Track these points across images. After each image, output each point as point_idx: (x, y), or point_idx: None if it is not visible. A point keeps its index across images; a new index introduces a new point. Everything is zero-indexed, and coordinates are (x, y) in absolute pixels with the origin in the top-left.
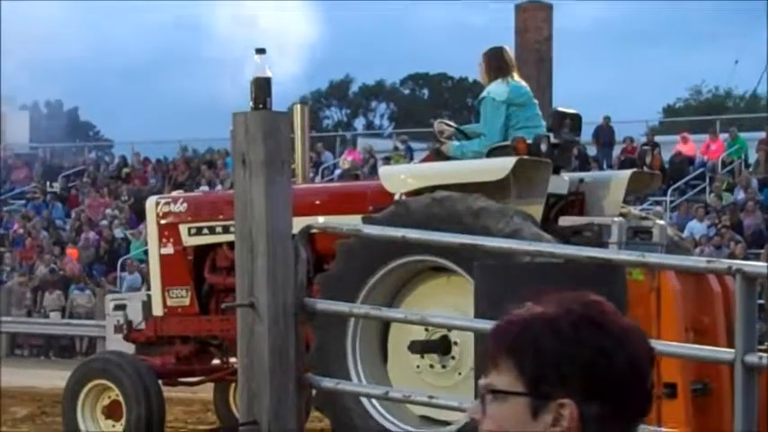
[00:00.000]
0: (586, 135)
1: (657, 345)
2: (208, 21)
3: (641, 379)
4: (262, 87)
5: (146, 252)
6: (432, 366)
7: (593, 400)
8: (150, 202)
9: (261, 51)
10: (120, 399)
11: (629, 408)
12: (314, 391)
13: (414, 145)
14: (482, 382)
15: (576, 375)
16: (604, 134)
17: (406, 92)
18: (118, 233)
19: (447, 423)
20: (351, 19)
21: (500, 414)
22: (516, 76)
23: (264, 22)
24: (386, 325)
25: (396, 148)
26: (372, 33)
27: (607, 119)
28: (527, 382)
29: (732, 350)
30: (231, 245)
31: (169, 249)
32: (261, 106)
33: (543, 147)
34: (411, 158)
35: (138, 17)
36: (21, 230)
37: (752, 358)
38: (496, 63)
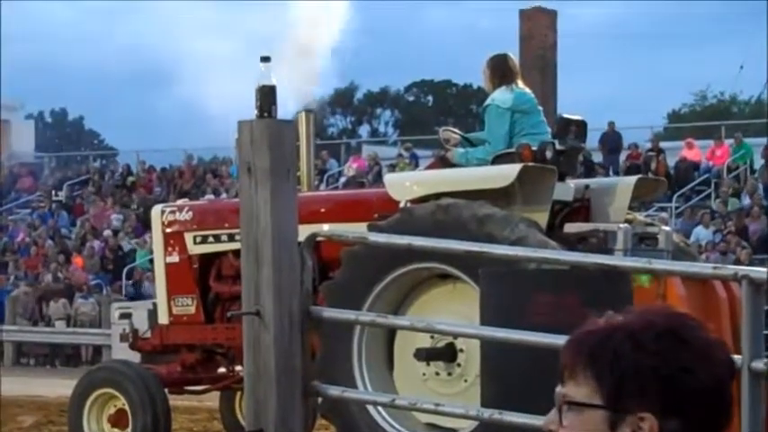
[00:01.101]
0: (592, 142)
1: None
2: (212, 28)
3: (722, 395)
4: (267, 95)
5: (151, 260)
6: (437, 374)
7: (673, 416)
8: (155, 211)
9: (266, 60)
10: (126, 407)
11: (709, 424)
12: (320, 399)
13: (418, 152)
14: (559, 391)
15: (656, 389)
16: (610, 140)
17: (411, 99)
18: (126, 245)
19: (453, 430)
20: (356, 25)
21: (577, 425)
22: (521, 84)
23: (268, 30)
24: (392, 332)
25: (400, 155)
26: (376, 40)
27: (612, 124)
28: (606, 394)
29: (738, 356)
30: (237, 253)
31: (174, 258)
32: (266, 114)
33: (548, 153)
34: (416, 166)
35: (143, 25)
36: (26, 239)
37: (758, 364)
38: (500, 70)
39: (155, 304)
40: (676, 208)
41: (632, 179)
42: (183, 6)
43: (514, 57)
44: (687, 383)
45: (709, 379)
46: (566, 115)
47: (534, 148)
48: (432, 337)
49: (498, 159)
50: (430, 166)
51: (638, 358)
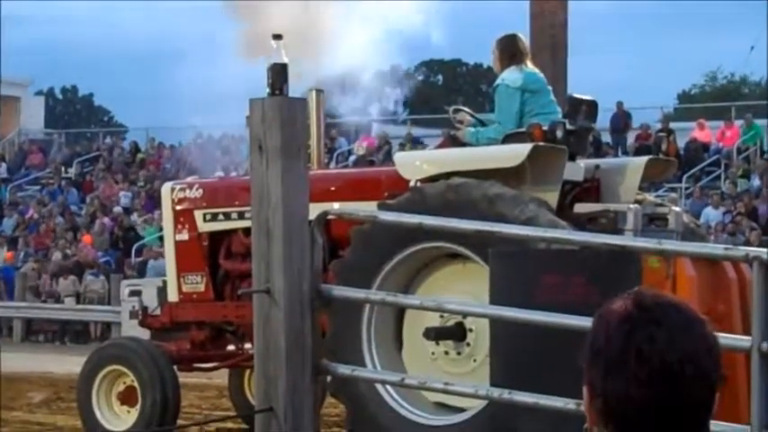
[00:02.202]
0: (602, 122)
1: None
2: (222, 6)
3: (690, 376)
4: (278, 73)
5: (161, 238)
6: (447, 353)
7: (599, 396)
8: (165, 188)
9: (278, 37)
10: (136, 384)
11: (680, 403)
12: (328, 378)
13: (429, 131)
14: None
15: (596, 370)
16: (619, 120)
17: (420, 78)
18: (140, 230)
19: (462, 410)
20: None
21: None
22: (530, 64)
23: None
24: (401, 311)
25: (409, 134)
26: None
27: (620, 104)
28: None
29: (749, 338)
30: (246, 231)
31: (184, 235)
32: (277, 92)
33: (559, 133)
34: (419, 145)
35: (154, 2)
36: (36, 216)
37: None
38: (510, 51)
39: (164, 281)
40: (686, 188)
41: (642, 159)
42: None
43: (524, 37)
44: (654, 364)
45: (679, 363)
46: (576, 95)
47: (545, 128)
48: (441, 317)
49: (509, 139)
50: (440, 146)
51: (592, 336)
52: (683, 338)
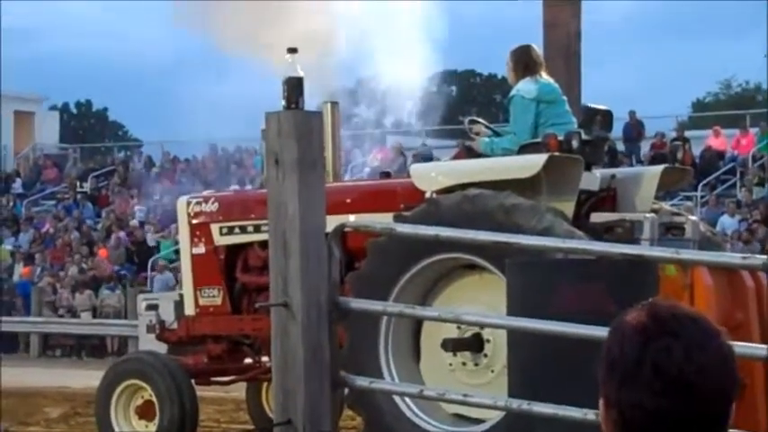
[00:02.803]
0: (616, 131)
1: None
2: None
3: (702, 387)
4: (294, 87)
5: (176, 252)
6: (464, 364)
7: (614, 407)
8: (181, 202)
9: (293, 51)
10: (154, 399)
11: (693, 412)
12: (346, 390)
13: (444, 142)
14: None
15: (611, 381)
16: (632, 129)
17: (434, 89)
18: (151, 241)
19: (480, 421)
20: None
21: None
22: (545, 74)
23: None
24: (418, 323)
25: (424, 146)
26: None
27: (632, 113)
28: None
29: (766, 346)
30: (263, 244)
31: (201, 249)
32: (293, 106)
33: (575, 143)
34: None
35: (167, 16)
36: (51, 230)
37: None
38: (524, 62)
39: (181, 295)
40: (702, 197)
41: (658, 168)
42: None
43: (538, 48)
44: (670, 376)
45: (695, 375)
46: (591, 105)
47: (560, 138)
48: (458, 328)
49: (524, 149)
50: (455, 157)
51: (607, 348)
52: (699, 351)
